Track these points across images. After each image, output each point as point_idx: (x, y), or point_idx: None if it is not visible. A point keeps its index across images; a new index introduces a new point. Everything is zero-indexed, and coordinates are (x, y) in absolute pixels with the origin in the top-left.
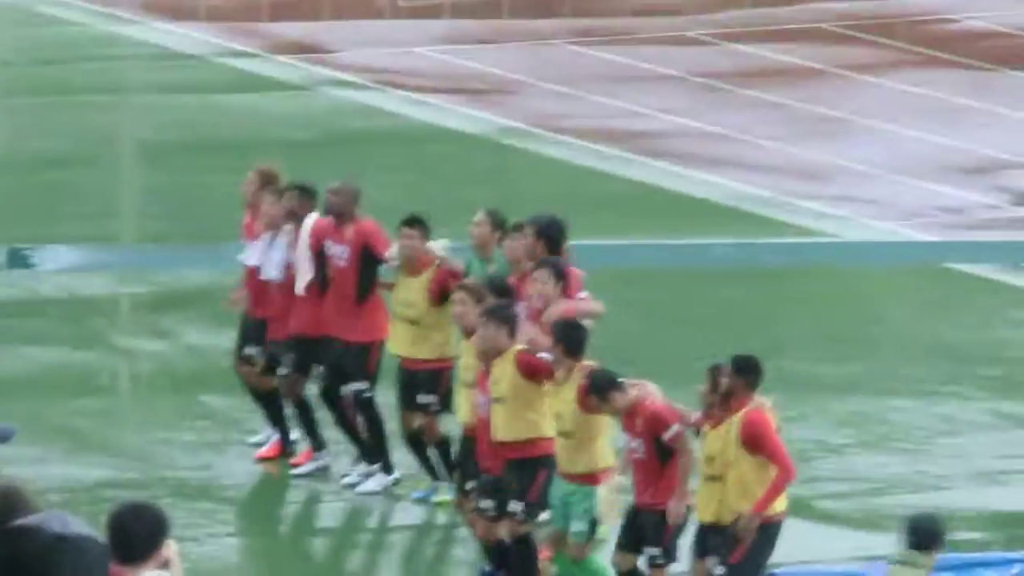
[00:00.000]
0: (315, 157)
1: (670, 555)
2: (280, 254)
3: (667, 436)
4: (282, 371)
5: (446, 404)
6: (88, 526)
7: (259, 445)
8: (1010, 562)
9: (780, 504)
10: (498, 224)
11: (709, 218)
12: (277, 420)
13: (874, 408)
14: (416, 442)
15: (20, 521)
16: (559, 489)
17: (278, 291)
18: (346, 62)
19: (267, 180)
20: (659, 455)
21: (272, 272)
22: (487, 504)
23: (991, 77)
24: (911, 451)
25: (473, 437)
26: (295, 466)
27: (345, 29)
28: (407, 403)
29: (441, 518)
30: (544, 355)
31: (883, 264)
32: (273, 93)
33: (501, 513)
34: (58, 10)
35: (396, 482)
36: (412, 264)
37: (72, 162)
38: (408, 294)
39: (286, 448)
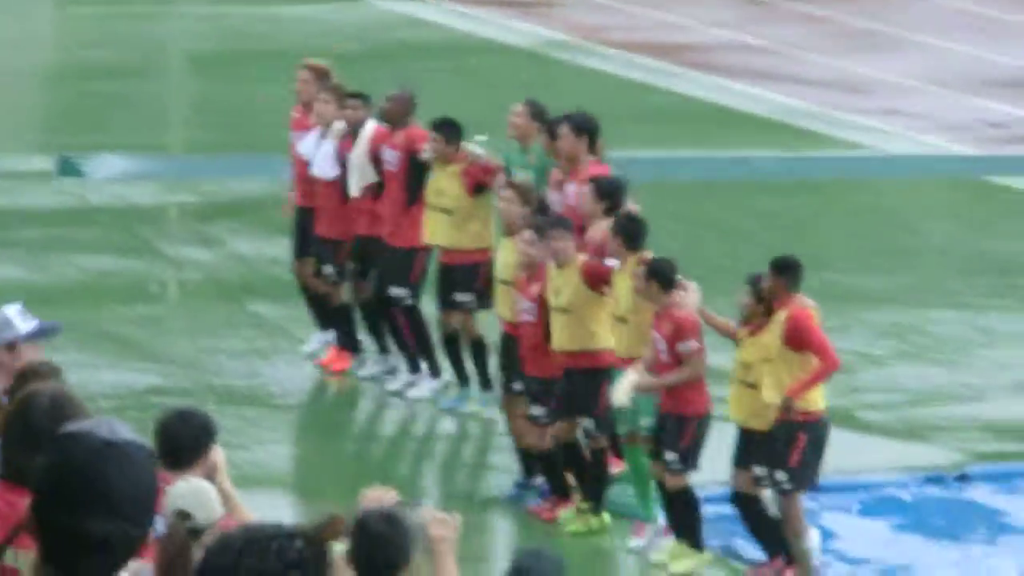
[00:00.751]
0: (364, 67)
1: (687, 461)
2: (330, 151)
3: (681, 348)
4: (327, 270)
5: (484, 301)
6: (135, 432)
7: (312, 355)
8: None
9: (822, 401)
10: (537, 114)
11: (754, 131)
12: (331, 321)
13: (914, 319)
14: (452, 344)
15: (69, 427)
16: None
17: (324, 189)
18: None
19: (320, 76)
20: (678, 362)
21: (318, 169)
22: (538, 411)
23: None
24: (951, 362)
25: (515, 336)
26: (324, 366)
27: None
28: (445, 301)
29: (474, 427)
30: (608, 261)
31: (925, 178)
32: (324, 4)
33: (552, 420)
34: None
35: (446, 386)
36: (444, 159)
37: (125, 72)
38: (440, 183)
39: (352, 350)
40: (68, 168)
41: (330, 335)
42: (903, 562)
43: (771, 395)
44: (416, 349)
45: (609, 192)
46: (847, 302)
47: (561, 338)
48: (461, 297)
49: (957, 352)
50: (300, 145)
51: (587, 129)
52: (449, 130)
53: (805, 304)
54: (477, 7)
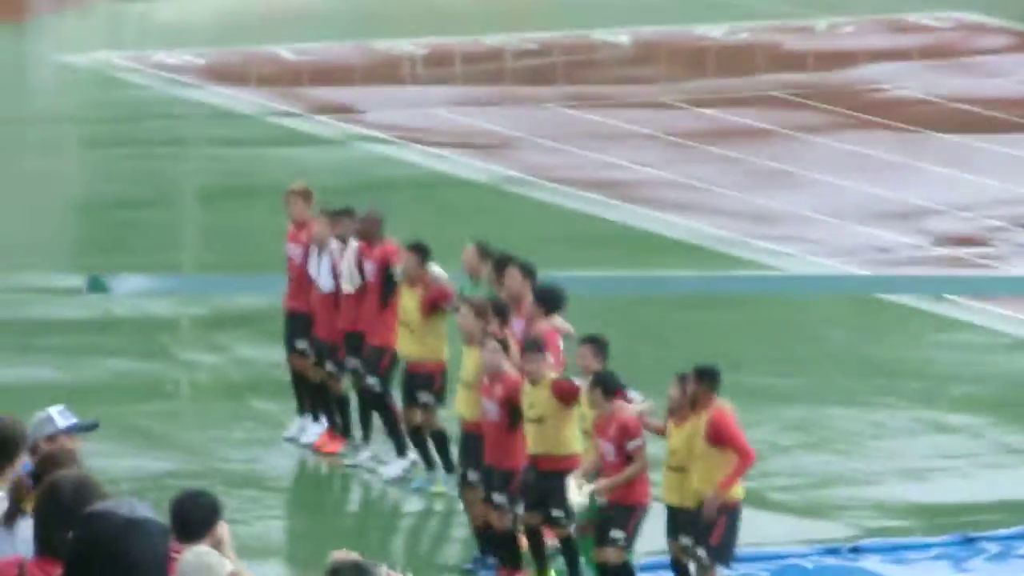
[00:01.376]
0: (347, 200)
1: (630, 541)
2: (327, 266)
3: (630, 446)
4: (330, 368)
5: (441, 399)
6: (151, 510)
7: (292, 439)
8: (929, 546)
9: (739, 491)
10: (484, 253)
11: (677, 254)
12: (325, 409)
13: (816, 415)
14: (417, 435)
15: (95, 507)
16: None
17: (323, 298)
18: (374, 120)
19: (306, 197)
20: (625, 460)
21: (322, 283)
22: (500, 499)
23: (917, 138)
24: (847, 451)
25: (475, 434)
26: (316, 448)
27: (373, 93)
28: (409, 400)
29: (439, 505)
30: (577, 379)
31: (824, 294)
32: (312, 146)
33: (512, 506)
34: (130, 75)
35: (413, 464)
36: (411, 279)
37: (141, 204)
38: (405, 301)
39: (336, 433)
40: (95, 285)
41: (319, 425)
42: None
43: (699, 483)
44: (387, 430)
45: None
46: (759, 399)
47: (535, 444)
48: (423, 397)
49: (851, 443)
50: (309, 266)
51: (532, 272)
52: (421, 252)
53: (722, 406)
54: (445, 148)
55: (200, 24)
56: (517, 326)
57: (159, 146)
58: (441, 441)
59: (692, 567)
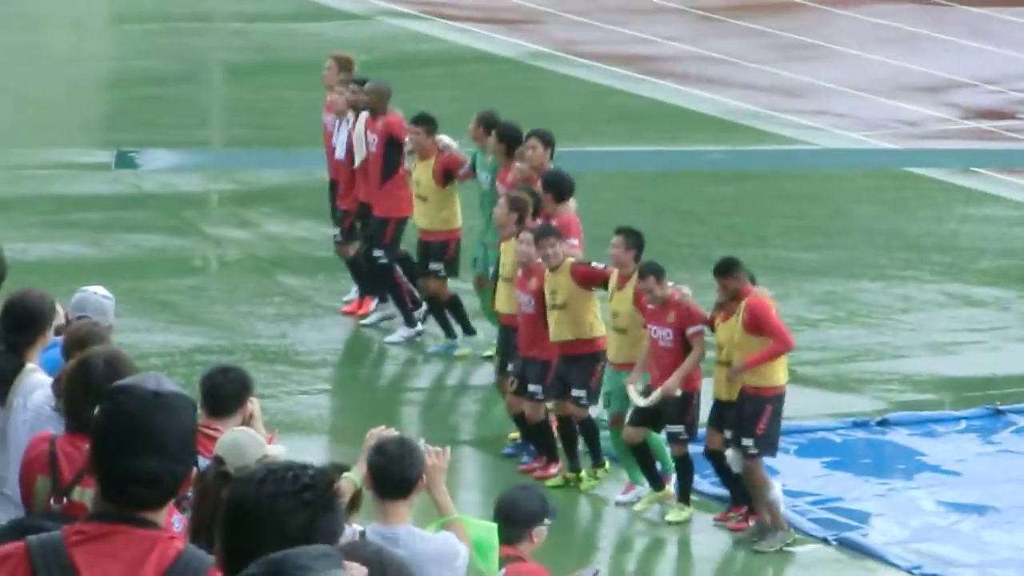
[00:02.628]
0: (373, 75)
1: (691, 432)
2: (344, 137)
3: (691, 331)
4: (335, 234)
5: (453, 269)
6: (178, 385)
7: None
8: (957, 419)
9: (783, 376)
10: (487, 125)
11: (705, 129)
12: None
13: (844, 289)
14: (433, 303)
15: (120, 381)
16: (616, 378)
17: (341, 167)
18: None
19: (343, 65)
20: (684, 346)
21: (338, 152)
22: (535, 388)
23: (944, 11)
24: (875, 325)
25: (511, 327)
26: (349, 314)
27: None
28: (423, 269)
29: (476, 379)
30: (597, 264)
31: (851, 168)
32: (339, 22)
33: (547, 397)
34: None
35: (419, 334)
36: (422, 151)
37: (170, 79)
38: (418, 174)
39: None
40: (124, 161)
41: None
42: (834, 494)
43: (748, 378)
44: (394, 301)
45: (554, 184)
46: (786, 274)
47: (558, 331)
48: (435, 266)
49: (879, 316)
50: (333, 137)
51: (551, 142)
52: (428, 124)
53: (761, 294)
54: (471, 23)
55: None
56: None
57: (186, 21)
58: (456, 306)
59: (730, 458)
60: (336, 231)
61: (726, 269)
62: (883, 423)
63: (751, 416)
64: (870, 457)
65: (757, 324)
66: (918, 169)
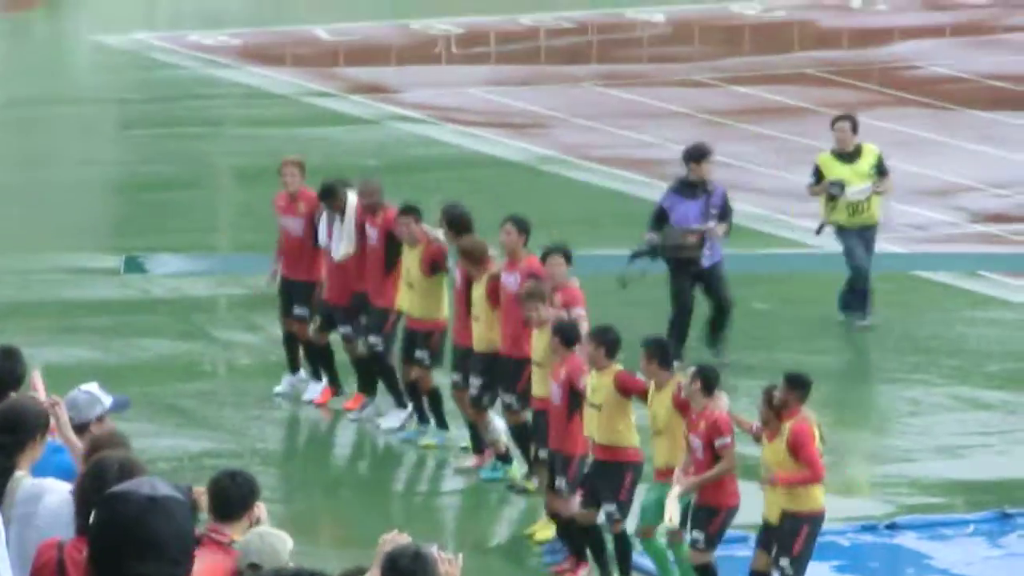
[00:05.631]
0: (382, 180)
1: (712, 543)
2: (337, 233)
3: (718, 444)
4: (344, 330)
5: (437, 359)
6: (174, 488)
7: (281, 395)
8: (966, 522)
9: (821, 501)
10: (450, 220)
11: None
12: (328, 369)
13: (853, 392)
14: (413, 390)
15: (116, 487)
16: (654, 491)
17: (332, 262)
18: (409, 100)
19: (302, 167)
20: (714, 457)
21: (333, 249)
22: (561, 484)
23: (951, 115)
24: (884, 428)
25: (544, 411)
26: (349, 409)
27: (408, 73)
28: (407, 356)
29: (487, 485)
30: (640, 376)
31: None
32: (347, 126)
33: (572, 493)
34: (169, 56)
35: (411, 415)
36: (411, 240)
37: (178, 184)
38: (407, 262)
39: (337, 392)
40: (132, 266)
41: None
42: None
43: (785, 501)
44: (385, 386)
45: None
46: None
47: (591, 429)
48: (419, 354)
49: (888, 420)
50: (319, 236)
51: (527, 228)
52: (414, 213)
53: (807, 417)
54: (480, 128)
55: (235, 5)
56: (511, 279)
57: (195, 126)
58: (435, 399)
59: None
60: (303, 311)
61: (798, 383)
62: (891, 526)
63: (789, 535)
64: (879, 561)
65: (797, 451)
66: (926, 272)
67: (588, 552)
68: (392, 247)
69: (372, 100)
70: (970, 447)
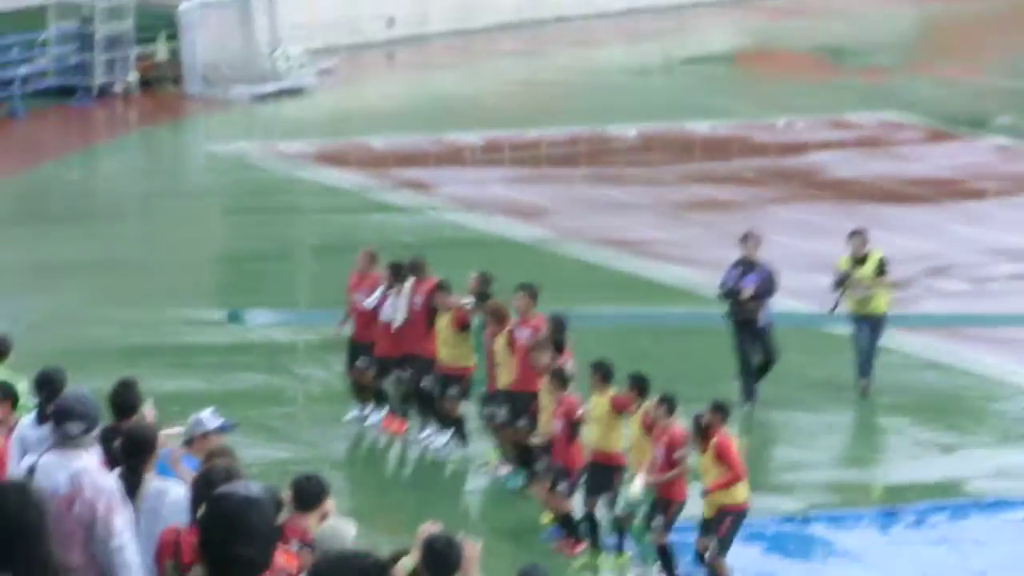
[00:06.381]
0: (422, 255)
1: (667, 526)
2: (392, 304)
3: (676, 455)
4: (400, 376)
5: (466, 395)
6: (265, 489)
7: (359, 419)
8: (862, 516)
9: (743, 497)
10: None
11: (671, 295)
12: (385, 402)
13: (778, 417)
14: (444, 419)
15: (221, 488)
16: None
17: (385, 326)
18: (443, 193)
19: (373, 258)
20: (671, 463)
21: (388, 316)
22: (563, 487)
23: (853, 207)
24: (802, 444)
25: (551, 442)
26: (396, 432)
27: (443, 173)
28: (442, 393)
29: (460, 468)
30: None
31: (779, 325)
32: (394, 213)
33: (571, 492)
34: (262, 161)
35: (452, 436)
36: (444, 307)
37: (267, 257)
38: (441, 324)
39: (397, 416)
40: (234, 317)
41: (380, 412)
42: (768, 572)
43: (715, 497)
44: (436, 416)
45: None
46: (732, 406)
47: (590, 437)
48: (451, 391)
49: (805, 437)
50: (368, 303)
51: (535, 294)
52: (444, 287)
53: (727, 433)
54: (497, 215)
55: (312, 121)
56: (524, 334)
57: (281, 214)
58: (460, 425)
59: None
60: (364, 362)
61: (719, 408)
62: (805, 519)
63: (716, 523)
64: (795, 545)
65: (721, 458)
66: (832, 327)
67: (585, 534)
68: (431, 310)
69: (414, 193)
70: (867, 459)
